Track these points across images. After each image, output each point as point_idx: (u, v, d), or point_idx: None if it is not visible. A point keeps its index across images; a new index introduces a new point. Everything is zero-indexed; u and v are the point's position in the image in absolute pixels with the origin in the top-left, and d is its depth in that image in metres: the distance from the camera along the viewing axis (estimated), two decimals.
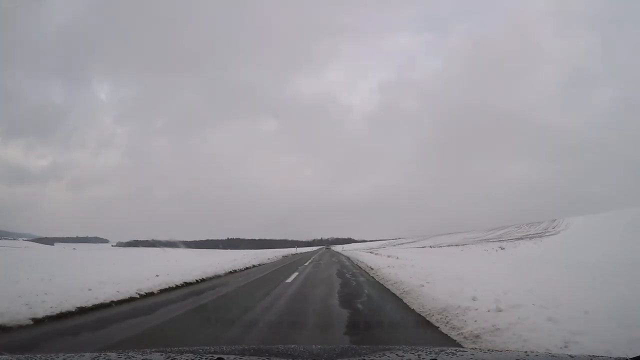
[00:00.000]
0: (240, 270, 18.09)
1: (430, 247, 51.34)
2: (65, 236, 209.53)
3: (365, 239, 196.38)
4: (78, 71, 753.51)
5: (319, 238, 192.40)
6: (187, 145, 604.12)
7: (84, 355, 1.56)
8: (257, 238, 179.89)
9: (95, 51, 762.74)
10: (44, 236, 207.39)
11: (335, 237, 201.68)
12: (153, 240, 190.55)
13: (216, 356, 1.50)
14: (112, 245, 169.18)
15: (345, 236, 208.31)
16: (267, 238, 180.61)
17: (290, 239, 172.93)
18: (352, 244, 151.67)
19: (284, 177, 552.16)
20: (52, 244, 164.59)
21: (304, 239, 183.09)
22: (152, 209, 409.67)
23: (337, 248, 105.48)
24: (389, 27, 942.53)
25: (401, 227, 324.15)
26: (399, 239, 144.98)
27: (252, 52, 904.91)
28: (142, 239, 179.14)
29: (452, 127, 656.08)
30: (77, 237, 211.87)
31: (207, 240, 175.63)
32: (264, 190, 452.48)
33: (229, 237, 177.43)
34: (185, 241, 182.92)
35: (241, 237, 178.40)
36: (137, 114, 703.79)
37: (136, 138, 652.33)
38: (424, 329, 5.48)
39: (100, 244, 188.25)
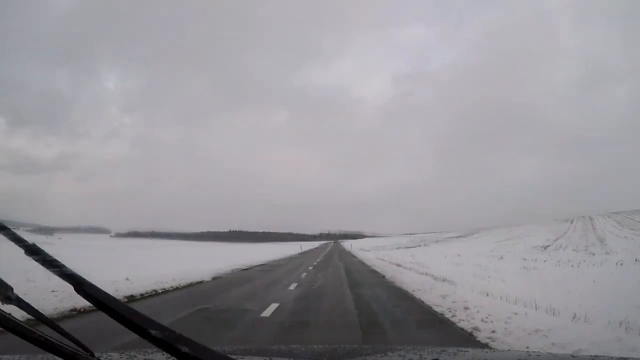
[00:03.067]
0: None
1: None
2: (68, 226, 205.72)
3: (377, 234, 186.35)
4: (85, 60, 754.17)
5: (326, 232, 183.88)
6: (193, 137, 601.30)
7: None
8: (260, 231, 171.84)
9: (103, 40, 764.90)
10: (49, 226, 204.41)
11: (343, 231, 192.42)
12: (153, 231, 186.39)
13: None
14: (111, 236, 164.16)
15: (355, 230, 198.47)
16: (272, 231, 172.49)
17: (295, 233, 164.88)
18: (366, 240, 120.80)
19: (291, 171, 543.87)
20: (52, 234, 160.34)
21: (309, 233, 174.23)
22: (154, 200, 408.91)
23: (356, 244, 72.02)
24: (401, 17, 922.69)
25: (414, 221, 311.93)
26: (434, 232, 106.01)
27: (262, 42, 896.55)
28: (141, 230, 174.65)
29: (466, 121, 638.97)
30: (79, 227, 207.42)
31: (209, 232, 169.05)
32: (271, 183, 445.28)
33: (232, 230, 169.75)
34: (186, 233, 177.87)
35: (244, 229, 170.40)
36: (144, 106, 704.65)
37: (142, 130, 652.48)
38: None
39: (101, 234, 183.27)
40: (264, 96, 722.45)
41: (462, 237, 69.18)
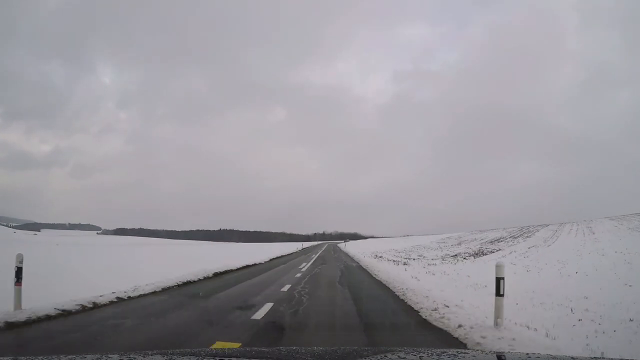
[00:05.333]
0: None
1: None
2: (59, 223, 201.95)
3: (375, 235, 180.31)
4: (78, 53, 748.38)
5: (321, 232, 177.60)
6: (188, 135, 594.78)
7: (85, 357, 1.52)
8: (251, 230, 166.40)
9: (100, 34, 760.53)
10: (39, 222, 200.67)
11: (339, 231, 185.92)
12: (140, 228, 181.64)
13: (217, 358, 1.49)
14: (98, 233, 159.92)
15: (351, 231, 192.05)
16: (264, 230, 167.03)
17: (288, 232, 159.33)
18: (369, 241, 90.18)
19: (288, 170, 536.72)
20: (39, 230, 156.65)
21: (303, 233, 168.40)
22: (147, 198, 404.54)
23: (360, 248, 46.27)
24: (403, 15, 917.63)
25: (412, 223, 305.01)
26: (450, 233, 72.87)
27: (261, 39, 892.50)
28: (129, 228, 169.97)
29: (466, 123, 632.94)
30: (69, 224, 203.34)
31: (198, 230, 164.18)
32: (266, 182, 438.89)
33: (222, 229, 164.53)
34: (174, 231, 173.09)
35: (235, 228, 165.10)
36: (139, 103, 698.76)
37: (136, 127, 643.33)
38: None
39: (90, 231, 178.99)
40: (261, 94, 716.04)
41: (516, 236, 44.38)
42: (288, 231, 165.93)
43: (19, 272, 5.37)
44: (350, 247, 49.88)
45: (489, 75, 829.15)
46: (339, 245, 70.68)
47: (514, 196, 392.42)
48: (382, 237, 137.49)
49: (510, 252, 26.78)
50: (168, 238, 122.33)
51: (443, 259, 24.20)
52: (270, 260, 22.11)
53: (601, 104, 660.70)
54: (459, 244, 45.94)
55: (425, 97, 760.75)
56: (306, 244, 73.16)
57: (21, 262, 5.48)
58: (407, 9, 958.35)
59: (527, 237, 42.54)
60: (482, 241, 45.32)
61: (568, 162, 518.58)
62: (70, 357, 1.44)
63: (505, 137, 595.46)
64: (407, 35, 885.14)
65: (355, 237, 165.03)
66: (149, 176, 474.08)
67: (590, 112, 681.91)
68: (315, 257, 26.75)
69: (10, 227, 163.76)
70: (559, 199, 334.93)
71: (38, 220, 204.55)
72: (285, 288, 9.02)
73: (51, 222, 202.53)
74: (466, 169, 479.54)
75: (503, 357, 1.79)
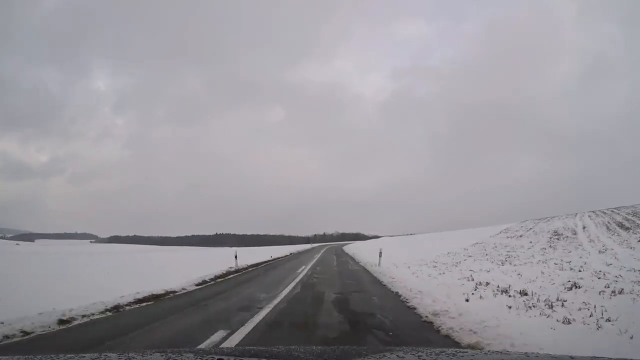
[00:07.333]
0: None
1: None
2: (55, 232, 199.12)
3: (378, 235, 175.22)
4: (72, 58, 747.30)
5: (322, 233, 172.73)
6: (185, 137, 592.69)
7: (84, 356, 1.50)
8: (249, 234, 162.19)
9: (95, 38, 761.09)
10: (35, 232, 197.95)
11: (341, 232, 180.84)
12: (135, 235, 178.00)
13: (216, 357, 1.47)
14: (91, 242, 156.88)
15: (354, 231, 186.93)
16: (262, 233, 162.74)
17: (287, 235, 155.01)
18: (381, 241, 70.90)
19: (287, 170, 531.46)
20: (33, 241, 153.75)
21: (303, 235, 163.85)
22: (142, 204, 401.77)
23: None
24: (401, 11, 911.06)
25: (415, 220, 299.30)
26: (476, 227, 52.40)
27: (258, 37, 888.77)
28: (123, 235, 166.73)
29: (465, 118, 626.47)
30: (64, 233, 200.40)
31: (194, 235, 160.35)
32: (265, 183, 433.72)
33: (218, 233, 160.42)
34: (169, 237, 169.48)
35: (232, 232, 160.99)
36: (136, 105, 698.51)
37: (133, 132, 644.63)
38: None
39: (86, 240, 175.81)
40: (260, 93, 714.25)
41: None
42: (287, 233, 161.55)
43: None
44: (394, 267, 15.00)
45: (487, 70, 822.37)
46: (351, 253, 30.29)
47: (514, 190, 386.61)
48: (387, 236, 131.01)
49: None
50: (162, 245, 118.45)
51: None
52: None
53: (600, 97, 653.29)
54: (559, 236, 25.26)
55: (424, 94, 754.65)
56: (281, 250, 38.95)
57: None
58: (404, 5, 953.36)
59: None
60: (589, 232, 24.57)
61: (569, 155, 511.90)
62: (68, 356, 1.42)
63: (505, 132, 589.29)
64: (405, 32, 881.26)
65: (357, 237, 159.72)
66: (146, 181, 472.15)
67: (590, 105, 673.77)
68: (310, 266, 12.60)
69: (4, 238, 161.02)
70: (561, 191, 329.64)
71: (35, 230, 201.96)
72: None
73: (48, 232, 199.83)
74: (468, 164, 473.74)
75: (502, 356, 1.68)
